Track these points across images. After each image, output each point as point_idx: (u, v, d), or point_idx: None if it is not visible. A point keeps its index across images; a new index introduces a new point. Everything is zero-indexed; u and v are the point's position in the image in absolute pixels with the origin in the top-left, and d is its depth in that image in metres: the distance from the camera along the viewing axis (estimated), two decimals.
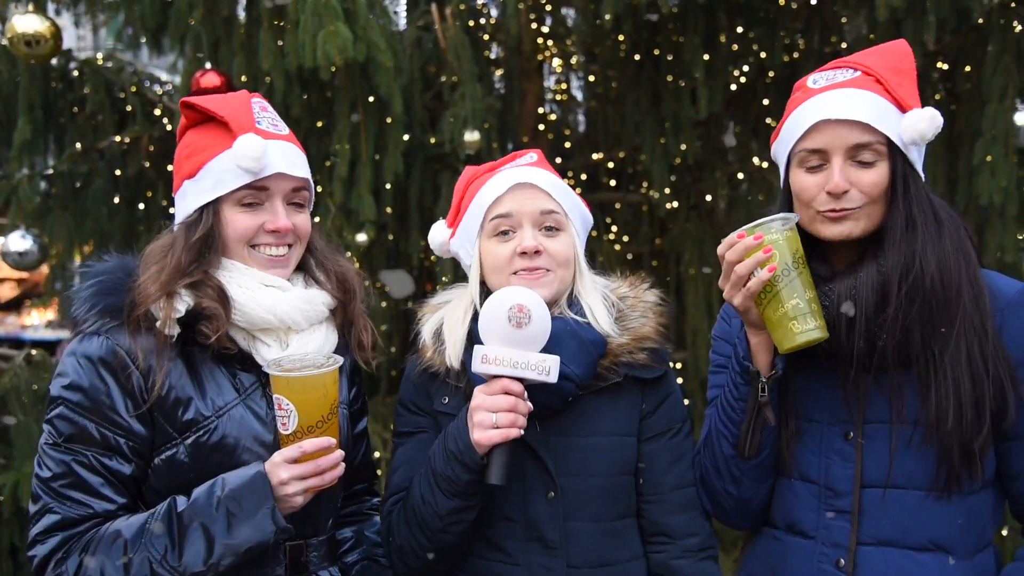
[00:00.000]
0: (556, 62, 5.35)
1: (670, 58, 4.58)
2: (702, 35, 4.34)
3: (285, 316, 1.88)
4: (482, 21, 4.86)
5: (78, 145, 4.45)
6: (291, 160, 1.93)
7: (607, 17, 3.94)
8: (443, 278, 4.16)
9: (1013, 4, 3.92)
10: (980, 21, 4.00)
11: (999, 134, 3.83)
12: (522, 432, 1.83)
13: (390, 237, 4.58)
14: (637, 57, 4.69)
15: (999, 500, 1.91)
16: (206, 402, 1.83)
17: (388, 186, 3.94)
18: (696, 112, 4.45)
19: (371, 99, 3.76)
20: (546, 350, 1.85)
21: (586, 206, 2.13)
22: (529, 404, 1.85)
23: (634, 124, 4.81)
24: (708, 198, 4.93)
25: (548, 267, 1.98)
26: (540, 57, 5.06)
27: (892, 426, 1.85)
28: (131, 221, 4.44)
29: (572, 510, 1.95)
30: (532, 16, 4.82)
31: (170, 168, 4.39)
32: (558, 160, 5.17)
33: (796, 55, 4.54)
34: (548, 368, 1.82)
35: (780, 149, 1.96)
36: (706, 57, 4.37)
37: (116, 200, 4.42)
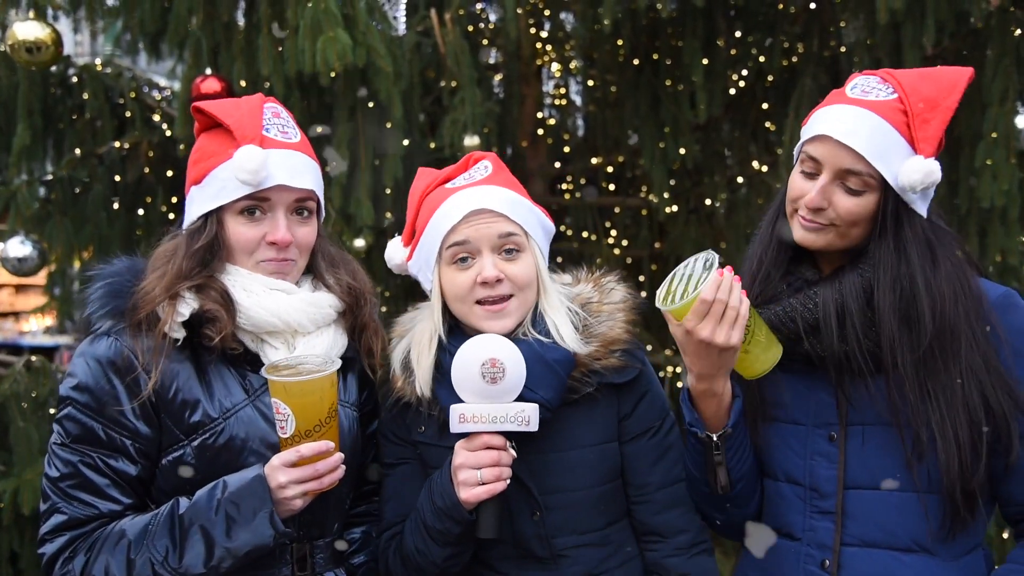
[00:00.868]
0: (555, 66, 5.35)
1: (669, 62, 4.58)
2: (701, 39, 4.34)
3: (290, 319, 1.88)
4: (481, 26, 4.86)
5: (77, 151, 4.44)
6: (295, 171, 1.91)
7: (606, 22, 3.94)
8: None
9: (1012, 8, 3.92)
10: (979, 25, 4.00)
11: (1000, 137, 3.83)
12: (508, 483, 1.82)
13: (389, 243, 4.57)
14: (636, 61, 4.68)
15: (988, 504, 1.90)
16: (213, 404, 1.84)
17: (388, 191, 3.93)
18: (695, 116, 4.45)
19: (370, 104, 3.76)
20: None
21: (545, 214, 2.07)
22: (513, 453, 1.84)
23: (633, 128, 4.82)
24: (708, 202, 4.93)
25: (510, 292, 1.94)
26: (539, 62, 5.06)
27: (874, 428, 1.86)
28: (130, 227, 4.43)
29: (559, 526, 1.94)
30: (531, 21, 4.82)
31: (169, 174, 4.41)
32: (557, 164, 5.17)
33: (795, 59, 4.53)
34: (527, 418, 1.82)
35: (802, 136, 1.95)
36: (705, 61, 4.37)
37: (115, 206, 4.41)
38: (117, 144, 4.43)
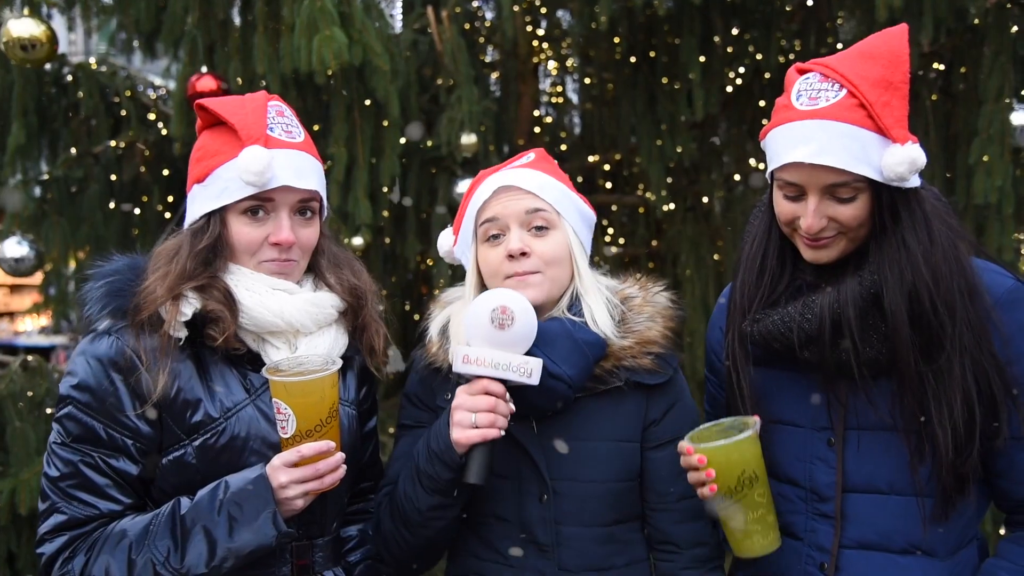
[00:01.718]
0: (552, 65, 5.35)
1: (666, 60, 4.58)
2: (698, 37, 4.34)
3: (293, 319, 1.88)
4: (478, 24, 4.86)
5: (72, 150, 4.43)
6: (299, 171, 1.90)
7: (602, 19, 3.93)
8: (440, 281, 4.15)
9: (1009, 5, 3.93)
10: (976, 22, 4.00)
11: (995, 134, 3.83)
12: (502, 433, 1.83)
13: (387, 241, 4.58)
14: (633, 59, 4.68)
15: (983, 497, 1.91)
16: (215, 404, 1.83)
17: (385, 189, 3.93)
18: (692, 114, 4.45)
19: (367, 102, 3.76)
20: (538, 350, 1.85)
21: (588, 204, 2.09)
22: (511, 406, 1.84)
23: (630, 126, 4.82)
24: (705, 200, 4.93)
25: (537, 268, 1.95)
26: (536, 60, 5.06)
27: (872, 433, 1.85)
28: (127, 226, 4.42)
29: (565, 514, 1.94)
30: (528, 19, 4.82)
31: (165, 173, 4.40)
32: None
33: (792, 56, 4.54)
34: (530, 370, 1.82)
35: (765, 153, 1.89)
36: (702, 59, 4.37)
37: (111, 205, 4.39)
38: (113, 143, 4.41)
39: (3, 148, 4.13)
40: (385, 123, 3.76)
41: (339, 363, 1.83)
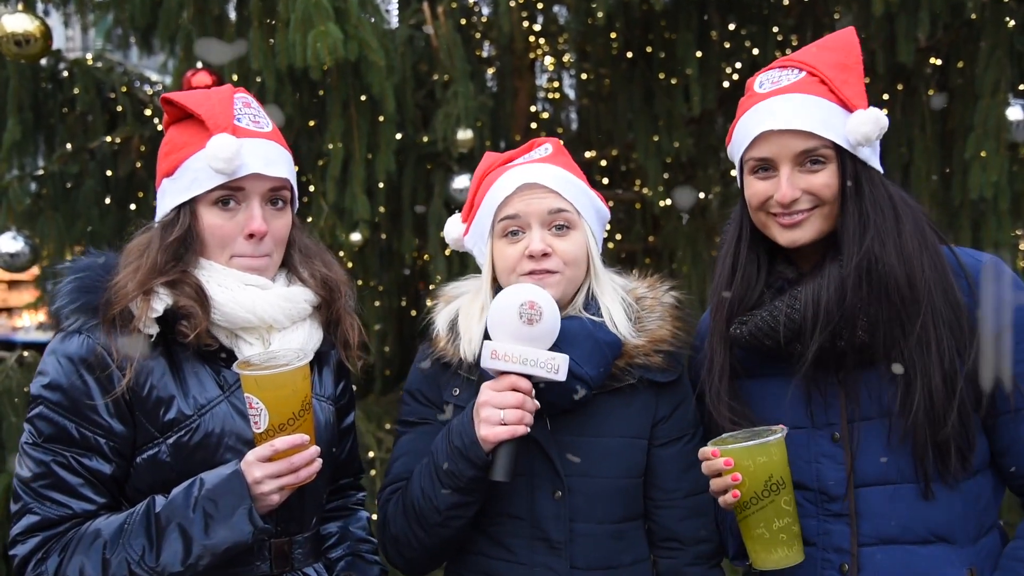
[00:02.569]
0: (548, 60, 5.35)
1: (663, 55, 4.58)
2: (695, 32, 4.34)
3: (265, 315, 1.86)
4: (474, 19, 4.85)
5: (68, 146, 4.43)
6: (269, 160, 1.88)
7: (599, 15, 3.93)
8: (437, 277, 4.15)
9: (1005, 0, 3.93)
10: (973, 17, 4.00)
11: (991, 129, 3.84)
12: (529, 429, 1.82)
13: (383, 236, 4.57)
14: (629, 55, 4.68)
15: (998, 482, 1.90)
16: (188, 401, 1.81)
17: (381, 185, 3.92)
18: (689, 109, 4.45)
19: (363, 98, 3.75)
20: (559, 349, 1.84)
21: (602, 199, 2.08)
22: (536, 402, 1.84)
23: (627, 122, 4.81)
24: (701, 195, 4.92)
25: (556, 268, 1.94)
26: (532, 55, 5.05)
27: (877, 422, 1.84)
28: (122, 222, 4.41)
29: (579, 511, 1.93)
30: (524, 14, 4.81)
31: None
32: None
33: (789, 51, 4.53)
34: (557, 366, 1.81)
35: (733, 153, 1.96)
36: (699, 54, 4.37)
37: (107, 201, 4.40)
38: (108, 139, 4.41)
39: None
40: (381, 119, 3.76)
41: (310, 355, 1.81)
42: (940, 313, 1.77)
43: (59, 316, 1.83)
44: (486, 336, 1.91)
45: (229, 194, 1.86)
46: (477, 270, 2.10)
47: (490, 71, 5.02)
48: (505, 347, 1.81)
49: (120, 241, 1.95)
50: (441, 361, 2.02)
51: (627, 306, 2.01)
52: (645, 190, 4.80)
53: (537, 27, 5.02)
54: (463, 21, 4.58)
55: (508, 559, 1.95)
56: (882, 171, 1.87)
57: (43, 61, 4.20)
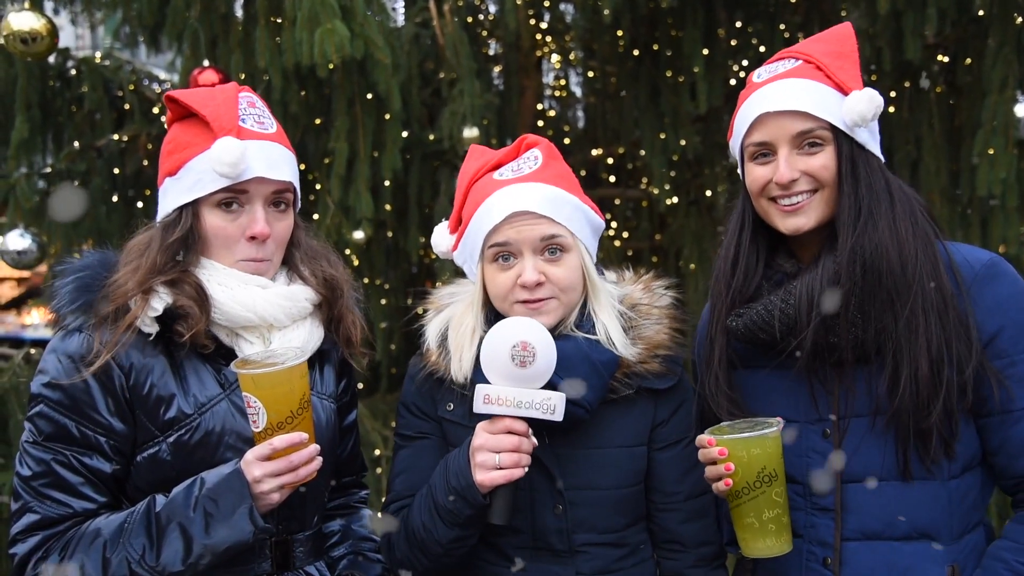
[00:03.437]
0: (555, 58, 5.35)
1: (669, 53, 4.57)
2: (701, 29, 4.33)
3: (266, 314, 1.85)
4: (480, 17, 4.85)
5: (76, 144, 4.45)
6: (272, 162, 1.87)
7: (605, 12, 3.92)
8: (444, 276, 4.15)
9: None
10: (980, 13, 3.98)
11: (999, 126, 3.83)
12: (526, 471, 1.79)
13: (389, 235, 4.58)
14: (636, 52, 4.68)
15: (987, 481, 1.90)
16: (188, 400, 1.81)
17: (387, 183, 3.93)
18: (695, 107, 4.44)
19: (369, 96, 3.75)
20: (556, 377, 1.81)
21: (595, 209, 2.01)
22: (534, 440, 1.81)
23: (633, 119, 4.81)
24: (708, 193, 4.92)
25: (551, 295, 1.89)
26: (538, 53, 5.05)
27: (867, 419, 1.84)
28: (129, 219, 4.41)
29: (581, 522, 1.92)
30: (530, 12, 4.80)
31: None
32: None
33: None
34: (554, 407, 1.78)
35: (734, 145, 1.97)
36: (705, 51, 4.36)
37: (115, 198, 4.41)
38: (116, 137, 4.43)
39: (7, 142, 4.14)
40: (387, 117, 3.76)
41: (307, 354, 1.80)
42: (930, 300, 1.77)
43: (59, 314, 1.82)
44: (478, 360, 1.87)
45: (232, 196, 1.85)
46: None
47: (496, 69, 5.02)
48: (498, 391, 1.78)
49: (127, 238, 1.95)
50: (434, 376, 1.99)
51: (622, 317, 1.96)
52: (652, 188, 4.80)
53: (544, 25, 5.01)
54: (469, 19, 4.58)
55: (513, 568, 1.94)
56: (883, 159, 1.88)
57: (51, 59, 4.22)
